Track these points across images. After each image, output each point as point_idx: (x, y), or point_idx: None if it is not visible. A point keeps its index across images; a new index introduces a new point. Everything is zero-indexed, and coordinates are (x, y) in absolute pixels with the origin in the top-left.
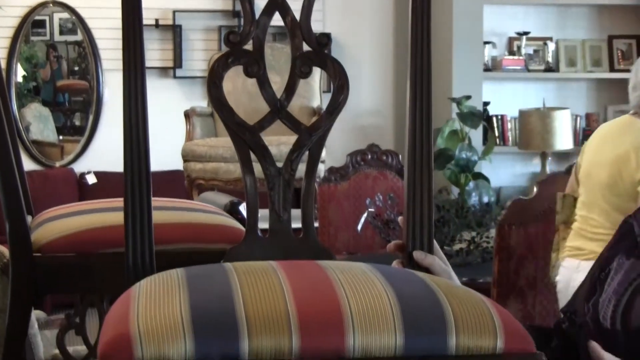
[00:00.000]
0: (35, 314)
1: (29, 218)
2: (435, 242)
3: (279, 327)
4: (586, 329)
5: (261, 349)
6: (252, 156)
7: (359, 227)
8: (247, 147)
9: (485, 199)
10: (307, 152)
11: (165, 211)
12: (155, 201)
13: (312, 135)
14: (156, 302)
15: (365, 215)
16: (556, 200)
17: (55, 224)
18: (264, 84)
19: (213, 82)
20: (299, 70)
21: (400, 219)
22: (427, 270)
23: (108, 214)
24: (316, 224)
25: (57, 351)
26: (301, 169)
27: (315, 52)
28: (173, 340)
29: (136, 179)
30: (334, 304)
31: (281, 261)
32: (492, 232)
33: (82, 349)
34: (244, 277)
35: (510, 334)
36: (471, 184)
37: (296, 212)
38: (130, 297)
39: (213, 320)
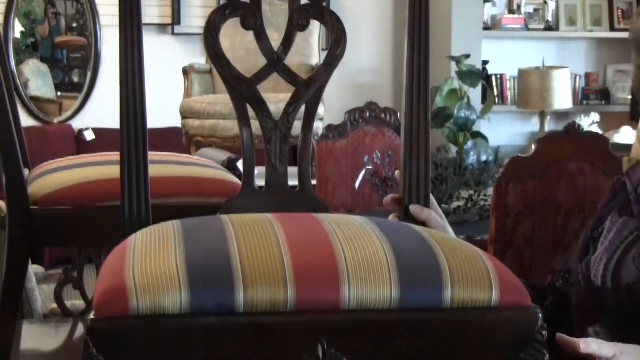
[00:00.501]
0: (33, 269)
1: (25, 171)
2: (431, 196)
3: (274, 279)
4: (577, 288)
5: (256, 300)
6: (251, 112)
7: (357, 184)
8: (243, 99)
9: (484, 158)
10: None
11: (161, 165)
12: (152, 155)
13: (309, 88)
14: (152, 253)
15: (362, 172)
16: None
17: (52, 176)
18: (261, 37)
19: (210, 34)
20: (296, 23)
21: (397, 173)
22: (423, 223)
23: (105, 167)
24: (314, 182)
25: (54, 305)
26: (299, 126)
27: (313, 4)
28: (168, 291)
29: (132, 132)
30: (330, 256)
31: (277, 213)
32: (490, 191)
33: (79, 303)
34: (239, 228)
35: (505, 286)
36: (469, 143)
37: (293, 170)
38: (125, 248)
39: (208, 271)
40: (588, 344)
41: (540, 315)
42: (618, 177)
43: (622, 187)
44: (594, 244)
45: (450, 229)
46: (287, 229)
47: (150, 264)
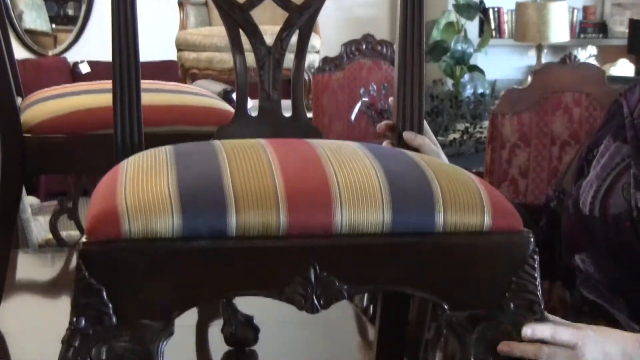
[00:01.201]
0: (29, 200)
1: (18, 100)
2: (425, 123)
3: (266, 203)
4: (566, 213)
5: (248, 224)
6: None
7: (353, 116)
8: (237, 25)
9: (480, 91)
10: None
11: (155, 93)
12: (145, 83)
13: (302, 14)
14: (144, 177)
15: (359, 105)
16: None
17: (46, 104)
18: None
19: None
20: None
21: (390, 99)
22: (417, 150)
23: (98, 95)
24: (310, 114)
25: (50, 236)
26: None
27: None
28: (160, 214)
29: (125, 58)
30: (322, 180)
31: (270, 139)
32: (486, 123)
33: (75, 233)
34: (232, 153)
35: (498, 211)
36: (466, 76)
37: (288, 103)
38: (117, 172)
39: (200, 195)
40: (534, 330)
41: (532, 239)
42: (616, 98)
43: (618, 110)
44: (588, 166)
45: (443, 155)
46: (279, 153)
47: (143, 187)
